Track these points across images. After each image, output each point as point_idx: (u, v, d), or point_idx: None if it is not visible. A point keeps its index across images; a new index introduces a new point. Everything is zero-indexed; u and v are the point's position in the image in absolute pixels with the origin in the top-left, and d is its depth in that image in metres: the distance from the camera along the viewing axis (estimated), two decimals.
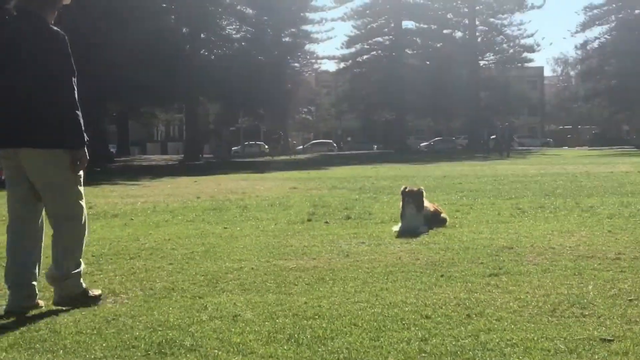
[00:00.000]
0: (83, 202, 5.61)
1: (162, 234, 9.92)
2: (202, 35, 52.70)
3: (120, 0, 40.39)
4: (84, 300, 5.48)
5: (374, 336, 4.46)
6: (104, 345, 4.37)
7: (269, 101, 55.68)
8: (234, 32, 58.16)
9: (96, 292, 5.71)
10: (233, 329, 4.64)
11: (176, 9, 50.86)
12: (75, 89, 5.38)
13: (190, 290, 6.00)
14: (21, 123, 5.28)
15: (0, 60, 5.37)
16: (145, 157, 66.85)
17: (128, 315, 5.08)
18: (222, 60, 52.33)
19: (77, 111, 5.34)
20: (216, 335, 4.52)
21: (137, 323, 4.85)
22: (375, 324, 4.73)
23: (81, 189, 5.59)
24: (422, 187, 10.32)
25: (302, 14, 60.88)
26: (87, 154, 5.50)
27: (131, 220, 12.13)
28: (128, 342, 4.40)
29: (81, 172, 5.56)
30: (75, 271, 5.53)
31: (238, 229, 10.45)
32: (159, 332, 4.60)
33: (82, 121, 5.40)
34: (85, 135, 5.45)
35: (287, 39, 60.49)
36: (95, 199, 16.78)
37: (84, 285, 5.63)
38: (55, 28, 5.44)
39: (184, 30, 51.22)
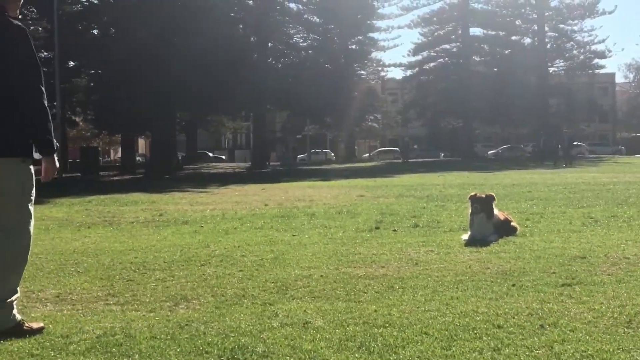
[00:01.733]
0: (29, 226, 5.00)
1: (232, 241, 10.03)
2: (269, 44, 53.09)
3: (188, 10, 40.98)
4: (18, 333, 4.83)
5: (445, 345, 4.43)
6: (178, 350, 4.44)
7: (335, 109, 55.77)
8: (301, 40, 58.50)
9: (35, 325, 5.00)
10: (304, 336, 4.67)
11: (244, 19, 51.34)
12: (43, 91, 4.92)
13: (260, 297, 6.06)
14: None
15: None
16: (213, 164, 67.58)
17: (200, 321, 5.14)
18: (289, 68, 52.63)
19: (43, 116, 4.89)
20: (287, 342, 4.55)
21: (210, 329, 4.92)
22: (446, 333, 4.70)
23: (31, 208, 5.02)
24: (492, 193, 10.17)
25: (368, 22, 60.77)
26: (56, 161, 5.04)
27: (201, 227, 12.29)
28: (201, 348, 4.46)
29: (33, 191, 5.04)
30: (3, 303, 4.85)
31: (306, 236, 10.50)
32: (231, 338, 4.65)
33: (51, 127, 4.95)
34: (54, 141, 4.98)
35: (353, 46, 60.46)
36: (165, 206, 17.07)
37: (18, 317, 4.95)
38: (16, 23, 4.93)
39: (252, 39, 51.66)
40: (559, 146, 48.87)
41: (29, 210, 5.00)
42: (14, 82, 4.82)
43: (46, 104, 4.94)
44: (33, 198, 5.06)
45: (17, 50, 4.85)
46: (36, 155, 5.02)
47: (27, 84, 4.85)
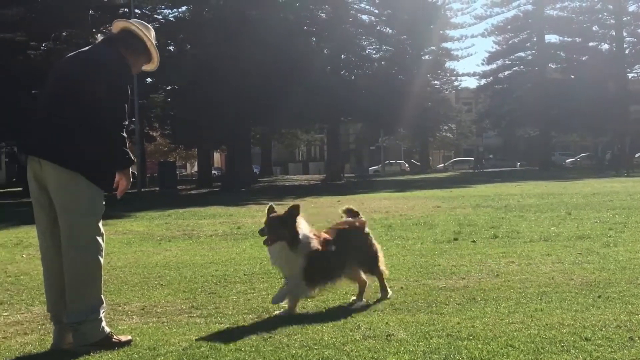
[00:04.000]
0: (100, 239, 5.09)
1: None
2: (342, 56, 53.21)
3: (261, 25, 41.40)
4: (107, 345, 4.96)
5: (532, 358, 4.36)
6: None
7: (409, 120, 55.56)
8: (374, 52, 58.44)
9: (124, 338, 5.14)
10: (387, 349, 4.65)
11: (317, 31, 51.63)
12: (124, 123, 5.07)
13: (341, 309, 6.06)
14: (52, 136, 5.00)
15: (59, 83, 5.18)
16: (288, 177, 68.02)
17: (283, 334, 5.17)
18: (362, 80, 52.56)
19: (120, 144, 5.07)
20: (371, 354, 4.54)
21: (293, 341, 4.94)
22: (532, 345, 4.62)
23: (99, 224, 5.13)
24: (296, 204, 6.17)
25: (441, 32, 60.40)
26: (130, 175, 5.27)
27: None
28: None
29: (102, 207, 5.15)
30: (91, 316, 4.97)
31: (384, 248, 10.37)
32: (315, 351, 4.66)
33: (126, 143, 5.13)
34: (129, 154, 5.16)
35: (426, 57, 60.17)
36: (242, 219, 17.24)
37: (106, 330, 5.07)
38: (121, 58, 5.23)
39: (325, 51, 51.87)
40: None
41: (98, 226, 5.11)
42: (101, 109, 4.98)
43: (124, 135, 5.12)
44: (102, 213, 5.17)
45: (111, 83, 5.04)
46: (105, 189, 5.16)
47: (113, 116, 5.02)
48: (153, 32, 5.49)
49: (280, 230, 5.83)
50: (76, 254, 4.98)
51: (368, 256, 6.52)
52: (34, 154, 5.09)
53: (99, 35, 5.44)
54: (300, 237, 5.87)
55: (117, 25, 5.47)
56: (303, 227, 5.97)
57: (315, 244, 5.98)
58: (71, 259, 4.99)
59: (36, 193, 5.16)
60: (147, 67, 5.63)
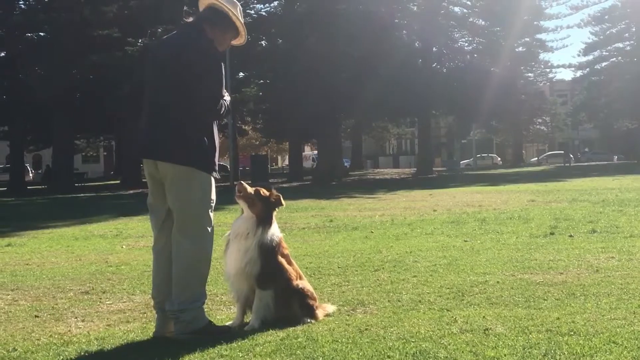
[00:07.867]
0: (210, 229, 5.19)
1: (403, 247, 10.04)
2: (434, 49, 52.79)
3: (352, 19, 41.39)
4: (208, 334, 5.06)
5: (636, 355, 4.26)
6: (360, 354, 4.49)
7: (501, 113, 54.75)
8: (466, 44, 57.76)
9: (223, 326, 5.35)
10: (486, 343, 4.60)
11: (408, 24, 51.32)
12: (217, 112, 5.17)
13: (437, 303, 6.03)
14: (160, 137, 5.10)
15: (154, 74, 5.27)
16: (378, 170, 67.96)
17: (379, 326, 5.17)
18: (454, 73, 52.03)
19: (205, 137, 5.12)
20: (469, 348, 4.50)
21: (389, 334, 4.93)
22: (636, 342, 4.51)
23: (211, 214, 5.22)
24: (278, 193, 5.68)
25: (535, 23, 59.22)
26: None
27: (371, 232, 12.38)
28: (383, 352, 4.49)
29: (213, 197, 5.24)
30: (193, 305, 5.10)
31: (478, 242, 10.36)
32: (412, 343, 4.65)
33: (210, 149, 5.16)
34: (212, 163, 5.19)
35: (520, 48, 59.18)
36: (334, 212, 17.32)
37: (206, 318, 5.23)
38: (210, 47, 5.21)
39: (417, 44, 51.53)
40: None
41: (210, 216, 5.21)
42: (195, 95, 5.06)
43: (213, 128, 5.23)
44: (213, 205, 5.27)
45: (203, 75, 5.09)
46: (215, 175, 5.25)
47: (201, 106, 5.10)
48: (239, 7, 5.44)
49: None
50: (187, 243, 5.09)
51: None
52: (148, 157, 5.23)
53: (185, 9, 5.46)
54: None
55: (202, 3, 5.43)
56: None
57: None
58: (181, 248, 5.11)
59: (152, 187, 5.32)
60: (235, 42, 5.60)
